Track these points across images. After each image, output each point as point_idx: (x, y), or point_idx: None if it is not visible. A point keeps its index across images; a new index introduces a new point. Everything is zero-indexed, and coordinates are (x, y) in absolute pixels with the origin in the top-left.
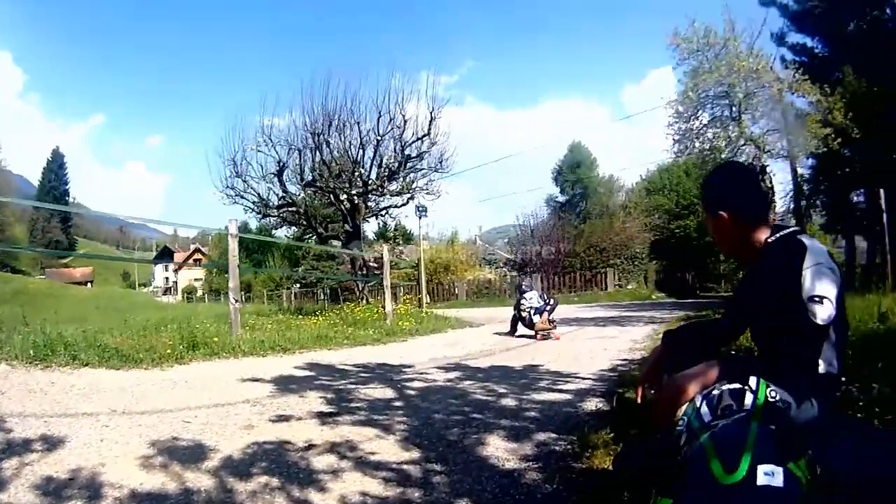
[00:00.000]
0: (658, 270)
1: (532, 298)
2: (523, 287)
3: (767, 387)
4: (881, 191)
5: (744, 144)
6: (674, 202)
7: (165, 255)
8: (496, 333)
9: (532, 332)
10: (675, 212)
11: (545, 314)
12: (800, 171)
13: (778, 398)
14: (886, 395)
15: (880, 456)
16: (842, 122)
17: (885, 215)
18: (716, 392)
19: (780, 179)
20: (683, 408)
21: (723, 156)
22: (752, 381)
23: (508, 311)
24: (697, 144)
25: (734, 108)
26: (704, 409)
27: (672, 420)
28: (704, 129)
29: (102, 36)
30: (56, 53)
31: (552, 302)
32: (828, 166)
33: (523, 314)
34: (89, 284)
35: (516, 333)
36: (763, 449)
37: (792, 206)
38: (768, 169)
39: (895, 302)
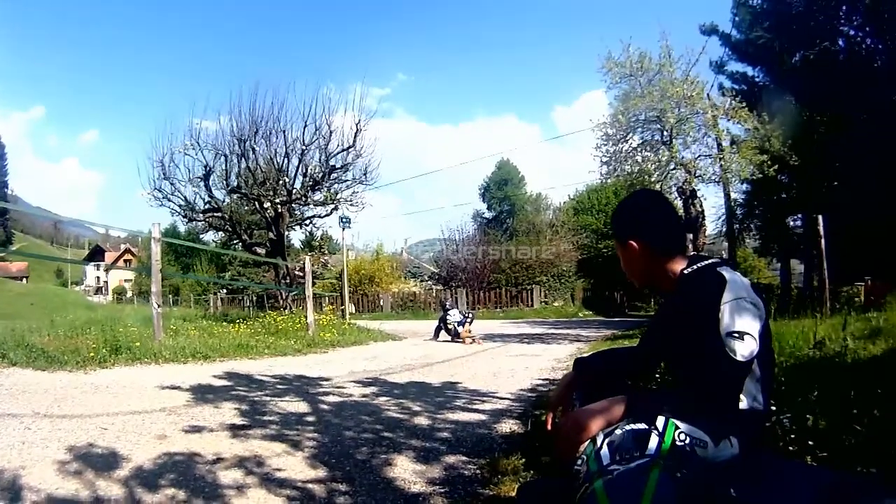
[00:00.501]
0: (586, 288)
1: (454, 314)
2: (447, 306)
3: (676, 428)
4: (820, 217)
5: (674, 169)
6: (601, 222)
7: (97, 254)
8: (424, 341)
9: (450, 339)
10: (603, 231)
11: (466, 325)
12: (733, 194)
13: (687, 440)
14: (821, 427)
15: (809, 496)
16: (779, 150)
17: (822, 241)
18: (618, 432)
19: (712, 203)
20: (585, 444)
21: (652, 178)
22: (660, 421)
23: (432, 325)
24: (627, 167)
25: (665, 133)
26: (605, 450)
27: (573, 455)
28: (634, 152)
29: (44, 23)
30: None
31: (470, 315)
32: (763, 191)
33: (449, 327)
34: (24, 280)
35: (439, 338)
36: (662, 501)
37: (724, 229)
38: (699, 193)
39: (832, 329)
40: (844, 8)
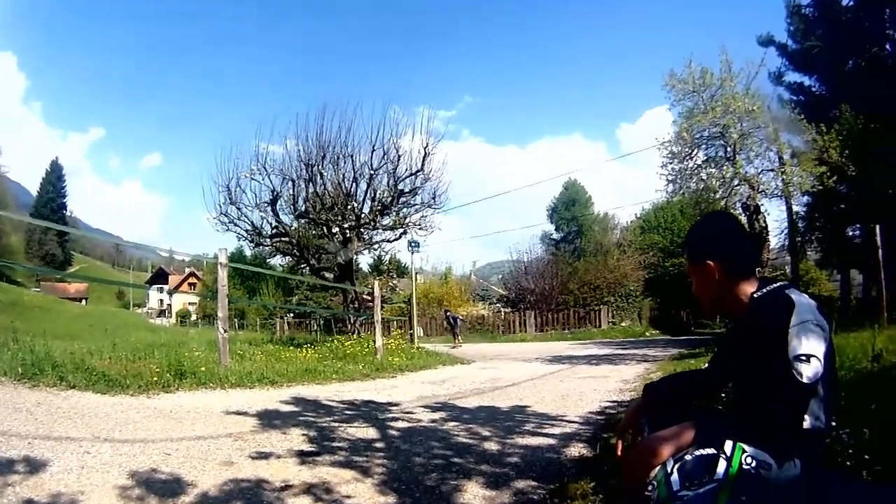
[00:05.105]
0: (653, 308)
1: (457, 323)
2: (452, 318)
3: (743, 452)
4: (877, 227)
5: (738, 184)
6: (668, 240)
7: (160, 276)
8: (451, 348)
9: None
10: (670, 250)
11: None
12: (794, 207)
13: (754, 463)
14: (877, 441)
15: None
16: (838, 160)
17: (880, 251)
18: (688, 458)
19: (775, 217)
20: (655, 470)
21: (717, 195)
22: (728, 445)
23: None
24: (692, 185)
25: (729, 149)
26: (675, 476)
27: (643, 481)
28: (699, 169)
29: (106, 49)
30: (60, 62)
31: (459, 323)
32: (823, 203)
33: (456, 331)
34: (83, 301)
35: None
36: None
37: (787, 242)
38: (762, 208)
39: (890, 340)
40: (888, 12)
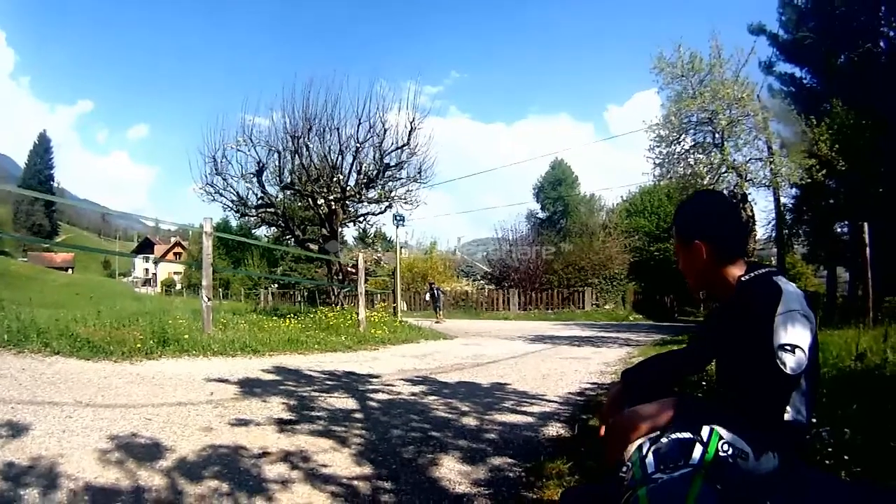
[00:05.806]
0: (637, 292)
1: (439, 295)
2: (438, 292)
3: (720, 439)
4: (865, 224)
5: (725, 172)
6: (654, 224)
7: (146, 246)
8: (434, 323)
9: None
10: (656, 234)
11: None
12: (782, 199)
13: (730, 451)
14: (858, 442)
15: None
16: (827, 154)
17: (867, 249)
18: (664, 440)
19: (762, 207)
20: (632, 448)
21: (704, 182)
22: (705, 430)
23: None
24: (679, 169)
25: (717, 135)
26: (650, 458)
27: (622, 454)
28: (686, 154)
29: (95, 22)
30: (48, 36)
31: (442, 297)
32: (811, 196)
33: (438, 305)
34: (70, 270)
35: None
36: None
37: (774, 234)
38: (749, 197)
39: (874, 340)
40: (884, 9)
